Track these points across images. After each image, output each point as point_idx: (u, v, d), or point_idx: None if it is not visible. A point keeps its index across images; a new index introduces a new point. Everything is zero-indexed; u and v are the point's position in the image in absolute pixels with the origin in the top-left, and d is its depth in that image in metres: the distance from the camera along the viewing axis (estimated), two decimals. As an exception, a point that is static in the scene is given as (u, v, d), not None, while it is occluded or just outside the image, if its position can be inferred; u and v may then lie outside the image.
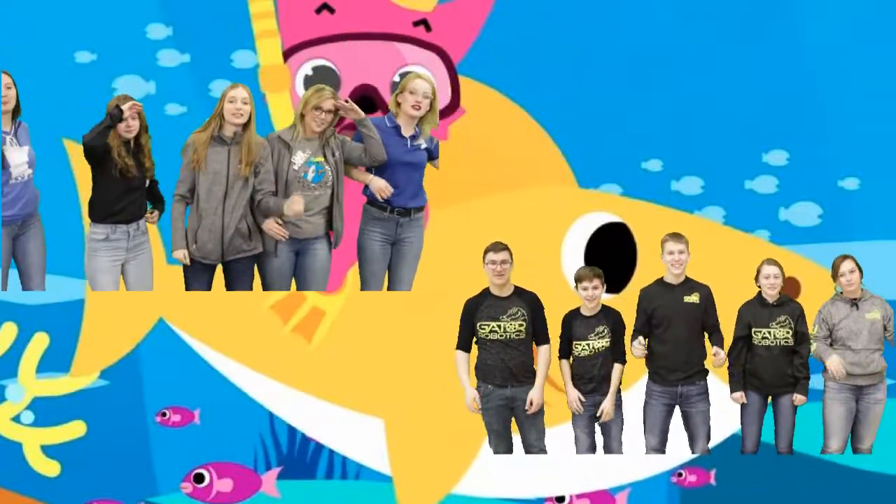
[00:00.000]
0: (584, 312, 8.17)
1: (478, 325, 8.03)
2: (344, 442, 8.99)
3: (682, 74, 9.21)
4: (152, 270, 8.19)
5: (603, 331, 8.14)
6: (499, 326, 8.01)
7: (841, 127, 9.23)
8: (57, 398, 8.97)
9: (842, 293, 8.26)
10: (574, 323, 8.17)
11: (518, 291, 8.06)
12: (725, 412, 8.32)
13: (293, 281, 8.27)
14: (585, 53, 9.22)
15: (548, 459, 8.33)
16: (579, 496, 8.92)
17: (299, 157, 8.06)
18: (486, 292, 8.08)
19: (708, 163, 9.21)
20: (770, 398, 8.26)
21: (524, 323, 8.01)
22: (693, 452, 8.23)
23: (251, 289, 8.18)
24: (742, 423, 8.31)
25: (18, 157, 8.12)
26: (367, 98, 8.94)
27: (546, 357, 8.07)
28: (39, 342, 8.96)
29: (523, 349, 8.03)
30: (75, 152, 8.87)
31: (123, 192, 8.02)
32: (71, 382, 8.98)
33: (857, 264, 8.23)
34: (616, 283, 8.35)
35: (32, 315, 8.84)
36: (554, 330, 8.16)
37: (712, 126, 9.22)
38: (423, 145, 8.26)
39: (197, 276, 8.09)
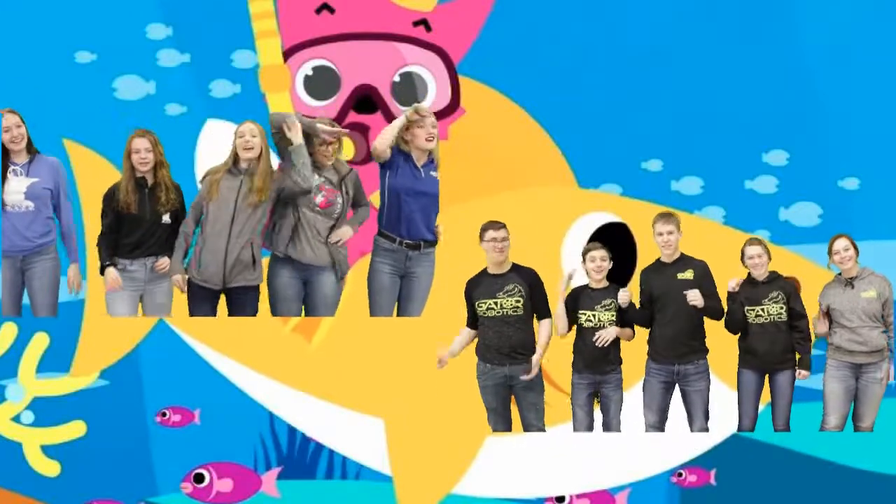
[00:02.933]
0: (592, 286, 8.18)
1: (476, 303, 8.06)
2: (344, 442, 8.99)
3: (682, 74, 9.21)
4: (164, 311, 8.16)
5: (610, 304, 8.13)
6: (495, 303, 8.02)
7: (841, 127, 9.24)
8: (57, 398, 8.97)
9: (840, 273, 8.27)
10: (581, 296, 8.17)
11: (516, 268, 8.09)
12: (725, 409, 8.32)
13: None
14: (585, 53, 9.22)
15: (547, 445, 8.34)
16: (579, 496, 8.92)
17: (314, 178, 8.03)
18: (483, 271, 8.11)
19: (708, 163, 9.21)
20: (767, 376, 8.25)
21: (521, 299, 8.01)
22: (691, 430, 8.21)
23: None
24: (739, 401, 8.30)
25: (16, 186, 8.09)
26: (368, 98, 8.95)
27: (547, 330, 8.06)
28: (39, 342, 8.96)
29: (521, 326, 8.03)
30: (75, 152, 8.89)
31: (131, 228, 8.04)
32: (71, 382, 8.97)
33: (853, 243, 8.23)
34: (616, 282, 8.33)
35: (32, 315, 8.83)
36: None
37: (712, 126, 9.22)
38: (436, 174, 8.19)
39: (200, 303, 8.06)
